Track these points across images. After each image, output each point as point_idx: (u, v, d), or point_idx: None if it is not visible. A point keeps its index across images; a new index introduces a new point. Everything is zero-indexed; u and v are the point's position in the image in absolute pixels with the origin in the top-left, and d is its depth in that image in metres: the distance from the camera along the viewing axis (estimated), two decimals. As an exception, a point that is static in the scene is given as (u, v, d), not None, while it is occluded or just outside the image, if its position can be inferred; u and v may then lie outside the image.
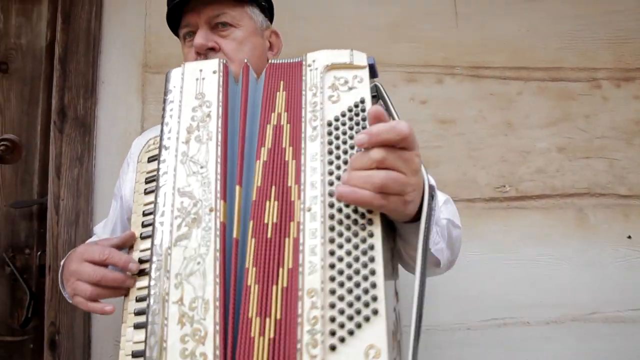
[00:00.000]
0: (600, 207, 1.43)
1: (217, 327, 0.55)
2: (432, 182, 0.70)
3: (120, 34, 1.36)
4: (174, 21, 0.97)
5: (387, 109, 0.66)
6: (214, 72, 0.70)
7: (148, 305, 0.59)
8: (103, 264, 0.68)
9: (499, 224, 1.40)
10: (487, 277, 1.39)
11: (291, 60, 0.70)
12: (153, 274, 0.60)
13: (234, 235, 0.61)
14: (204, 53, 0.90)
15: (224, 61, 0.71)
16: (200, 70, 0.70)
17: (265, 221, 0.61)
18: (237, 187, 0.63)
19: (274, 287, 0.57)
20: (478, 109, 1.42)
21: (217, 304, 0.56)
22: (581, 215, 1.43)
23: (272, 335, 0.55)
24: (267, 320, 0.56)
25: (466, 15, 1.45)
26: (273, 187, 0.62)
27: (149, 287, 0.61)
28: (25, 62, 1.47)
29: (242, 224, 0.62)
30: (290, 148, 0.64)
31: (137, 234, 0.70)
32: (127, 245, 0.71)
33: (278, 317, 0.56)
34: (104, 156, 1.32)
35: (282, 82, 0.69)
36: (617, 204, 1.43)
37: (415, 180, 0.56)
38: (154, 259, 0.61)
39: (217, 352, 0.54)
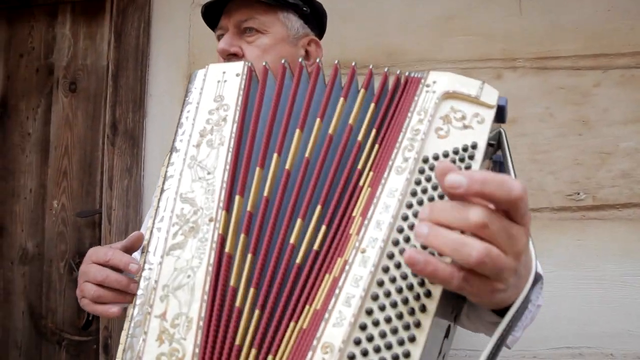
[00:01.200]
0: None
1: (197, 350, 0.49)
2: (539, 268, 0.58)
3: (167, 48, 1.40)
4: (215, 22, 0.94)
5: (503, 164, 0.55)
6: (237, 74, 0.64)
7: (132, 316, 0.55)
8: (108, 266, 0.67)
9: (572, 238, 1.21)
10: (558, 298, 1.20)
11: (412, 74, 0.59)
12: (142, 283, 0.56)
13: (227, 249, 0.54)
14: (226, 58, 0.87)
15: (249, 64, 0.65)
16: (224, 72, 0.64)
17: (292, 241, 0.53)
18: (238, 197, 0.57)
19: (292, 324, 0.50)
20: (544, 106, 1.25)
21: (201, 324, 0.50)
22: (681, 227, 1.18)
23: None
24: (269, 357, 0.49)
25: (530, 1, 1.28)
26: (319, 207, 0.54)
27: (135, 296, 0.56)
28: (89, 81, 1.57)
29: (238, 237, 0.55)
30: (371, 173, 0.54)
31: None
32: (135, 247, 0.68)
33: (284, 359, 0.48)
34: (151, 167, 1.36)
35: (362, 92, 0.60)
36: None
37: (515, 265, 0.41)
38: (146, 266, 0.57)
39: None
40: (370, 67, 0.60)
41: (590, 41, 1.25)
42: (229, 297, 0.52)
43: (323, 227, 0.53)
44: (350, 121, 0.58)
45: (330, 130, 0.58)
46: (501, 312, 0.46)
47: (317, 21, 0.95)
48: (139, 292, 0.56)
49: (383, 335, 0.44)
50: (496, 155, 0.58)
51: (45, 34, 1.63)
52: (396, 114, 0.57)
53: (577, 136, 1.23)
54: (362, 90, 0.59)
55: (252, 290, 0.52)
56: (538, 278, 0.50)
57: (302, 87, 0.63)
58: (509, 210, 0.40)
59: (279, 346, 0.49)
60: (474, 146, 0.51)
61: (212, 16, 0.93)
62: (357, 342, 0.44)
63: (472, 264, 0.39)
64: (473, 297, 0.45)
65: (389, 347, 0.43)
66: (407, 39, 1.32)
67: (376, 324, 0.44)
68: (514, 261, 0.41)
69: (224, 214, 0.55)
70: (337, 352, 0.44)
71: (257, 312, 0.51)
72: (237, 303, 0.52)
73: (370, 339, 0.44)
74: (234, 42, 0.86)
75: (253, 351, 0.50)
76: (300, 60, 0.65)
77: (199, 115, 0.62)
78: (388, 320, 0.44)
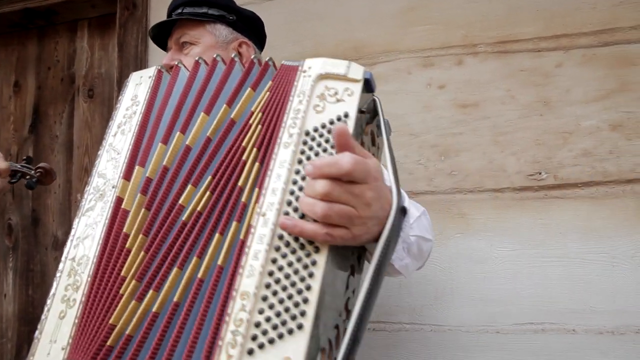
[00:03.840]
0: (672, 194, 1.16)
1: (89, 279, 0.64)
2: (405, 201, 0.71)
3: (162, 55, 1.56)
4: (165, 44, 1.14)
5: (377, 126, 0.67)
6: (150, 77, 0.79)
7: (59, 262, 0.70)
8: None
9: (534, 217, 1.23)
10: (521, 276, 1.23)
11: (290, 64, 0.70)
12: (68, 240, 0.71)
13: (124, 206, 0.68)
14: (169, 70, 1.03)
15: (159, 67, 0.80)
16: (140, 77, 0.80)
17: (182, 202, 0.65)
18: (137, 167, 0.70)
19: (176, 269, 0.61)
20: (505, 89, 1.28)
21: (94, 260, 0.65)
22: (645, 204, 1.17)
23: (155, 310, 0.60)
24: (151, 292, 0.61)
25: (490, -14, 1.31)
26: (210, 177, 0.65)
27: (63, 248, 0.72)
28: (104, 87, 1.78)
29: (135, 197, 0.68)
30: (254, 150, 0.64)
31: None
32: None
33: (175, 299, 0.60)
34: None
35: (270, 83, 0.70)
36: (698, 189, 1.15)
37: (369, 214, 0.56)
38: (73, 227, 0.72)
39: (83, 299, 0.63)
40: (291, 63, 0.68)
41: (550, 22, 1.26)
42: (121, 241, 0.66)
43: (207, 193, 0.64)
44: (253, 108, 0.68)
45: (233, 115, 0.69)
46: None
47: (247, 26, 1.08)
48: (67, 245, 0.70)
49: (287, 276, 0.54)
50: (386, 120, 0.68)
51: (68, 47, 1.85)
52: (279, 98, 0.66)
53: (538, 117, 1.25)
54: (270, 82, 0.69)
55: (141, 236, 0.65)
56: (404, 211, 0.63)
57: (215, 78, 0.74)
58: (350, 179, 0.54)
59: (160, 284, 0.61)
60: (346, 115, 0.61)
61: (163, 41, 1.13)
62: (268, 286, 0.54)
63: (320, 218, 0.54)
64: (345, 244, 0.57)
65: (293, 284, 0.54)
66: (372, 32, 1.39)
67: (281, 268, 0.55)
68: (366, 211, 0.56)
69: (122, 181, 0.70)
70: (252, 296, 0.54)
71: (142, 253, 0.64)
72: (127, 245, 0.65)
73: (277, 281, 0.54)
74: (175, 57, 1.04)
75: (134, 282, 0.62)
76: (215, 55, 0.76)
77: (119, 113, 0.77)
78: (290, 264, 0.55)
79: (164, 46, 1.15)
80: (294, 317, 0.52)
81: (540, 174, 1.24)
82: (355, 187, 0.54)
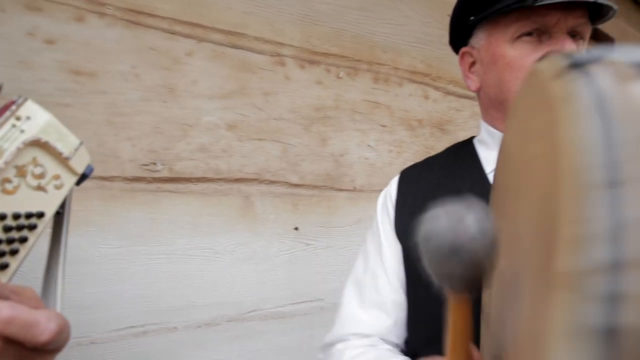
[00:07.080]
0: (269, 196, 1.30)
1: None
2: None
3: None
4: None
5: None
6: None
7: None
8: None
9: (145, 210, 1.13)
10: (125, 277, 1.11)
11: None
12: None
13: None
14: None
15: None
16: None
17: None
18: None
19: None
20: (131, 65, 1.12)
21: None
22: (247, 203, 1.27)
23: None
24: None
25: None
26: None
27: None
28: None
29: None
30: None
31: None
32: None
33: None
34: None
35: None
36: (287, 192, 1.33)
37: None
38: None
39: None
40: None
41: (188, 7, 1.20)
42: None
43: None
44: None
45: None
46: None
47: None
48: None
49: None
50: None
51: None
52: None
53: (161, 103, 1.16)
54: None
55: None
56: None
57: None
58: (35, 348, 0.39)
59: None
60: (40, 215, 0.47)
61: None
62: None
63: None
64: None
65: None
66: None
67: None
68: None
69: None
70: None
71: None
72: None
73: None
74: None
75: None
76: None
77: None
78: None
79: None
80: None
81: (155, 164, 1.15)
82: (36, 356, 0.39)
